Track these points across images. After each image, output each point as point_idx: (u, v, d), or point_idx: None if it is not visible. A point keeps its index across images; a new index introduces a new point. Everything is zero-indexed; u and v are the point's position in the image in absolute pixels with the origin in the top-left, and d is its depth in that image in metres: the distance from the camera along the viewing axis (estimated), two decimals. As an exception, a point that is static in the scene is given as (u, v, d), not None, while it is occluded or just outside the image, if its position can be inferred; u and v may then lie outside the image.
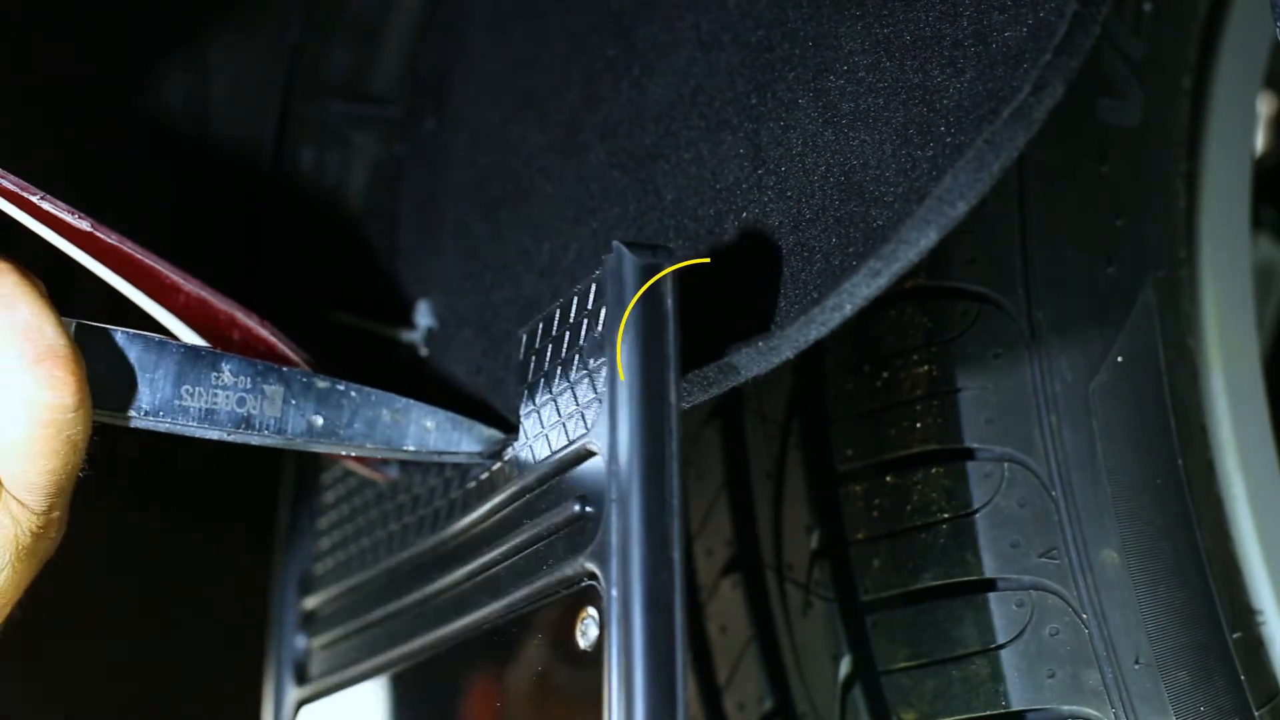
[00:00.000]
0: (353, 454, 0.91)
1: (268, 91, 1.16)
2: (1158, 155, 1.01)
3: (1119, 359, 0.95)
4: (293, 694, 1.10)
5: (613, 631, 0.74)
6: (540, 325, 0.88)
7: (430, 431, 0.90)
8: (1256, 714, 0.94)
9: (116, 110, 1.09)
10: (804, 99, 0.86)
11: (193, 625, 1.49)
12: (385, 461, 1.03)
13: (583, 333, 0.82)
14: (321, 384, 0.88)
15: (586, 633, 0.78)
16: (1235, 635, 0.95)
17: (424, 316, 1.12)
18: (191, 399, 0.85)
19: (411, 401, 0.90)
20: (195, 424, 0.85)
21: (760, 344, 0.80)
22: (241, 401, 0.86)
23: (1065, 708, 0.91)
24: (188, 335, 0.88)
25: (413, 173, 1.19)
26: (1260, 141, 1.32)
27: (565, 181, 1.02)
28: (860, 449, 0.97)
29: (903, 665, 0.95)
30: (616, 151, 0.97)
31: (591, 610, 0.77)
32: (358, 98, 1.20)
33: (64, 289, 0.83)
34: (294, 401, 0.87)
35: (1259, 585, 1.01)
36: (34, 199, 0.81)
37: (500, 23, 1.15)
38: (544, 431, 0.85)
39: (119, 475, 1.42)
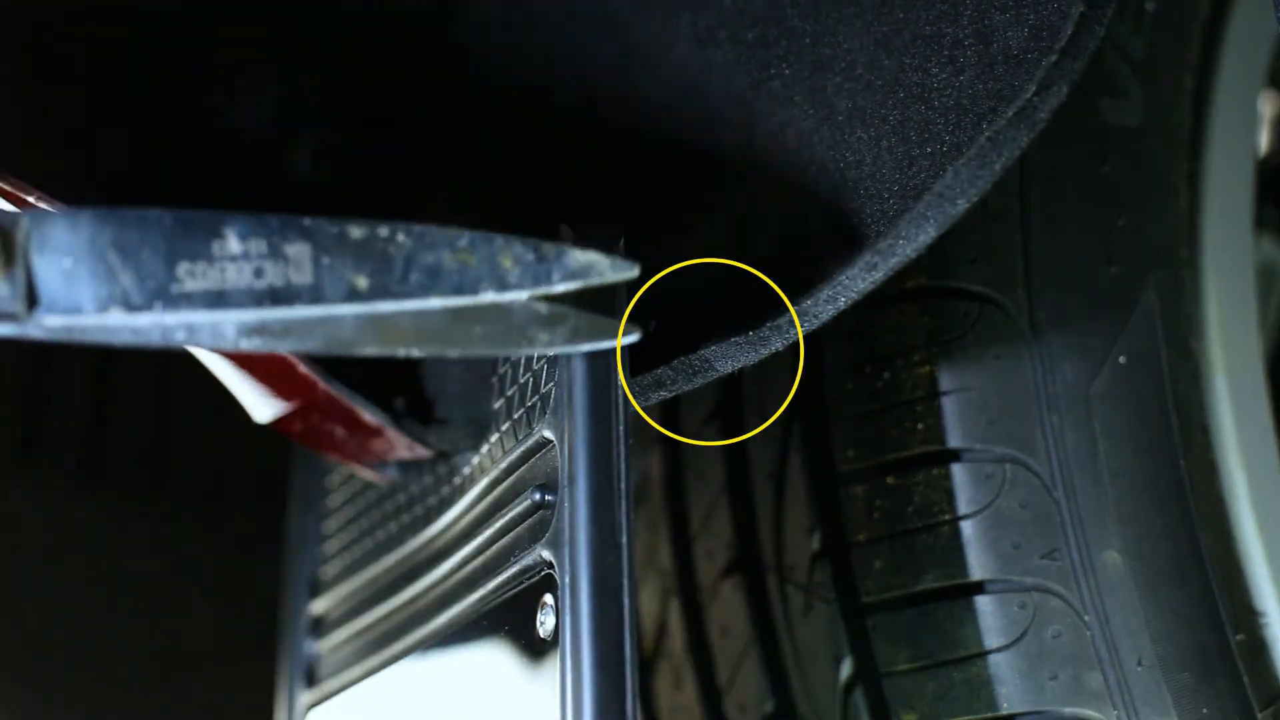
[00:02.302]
0: (414, 311, 0.69)
1: (268, 90, 1.16)
2: (1159, 155, 1.01)
3: (1121, 360, 0.95)
4: (303, 698, 1.10)
5: (565, 619, 0.73)
6: None
7: (510, 270, 0.70)
8: (1259, 716, 0.94)
9: (113, 108, 1.09)
10: (800, 96, 0.86)
11: (197, 629, 1.50)
12: (384, 462, 1.03)
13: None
14: (357, 232, 0.67)
15: (545, 622, 0.78)
16: (1238, 637, 0.95)
17: None
18: (193, 279, 0.65)
19: (478, 234, 0.70)
20: (202, 310, 0.65)
21: (750, 334, 0.80)
22: (259, 272, 0.66)
23: (1067, 710, 0.91)
24: None
25: None
26: (1263, 142, 1.31)
27: (558, 179, 1.02)
28: (861, 450, 0.97)
29: (904, 667, 0.95)
30: (609, 149, 0.98)
31: (549, 598, 0.77)
32: None
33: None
34: (326, 260, 0.67)
35: (1261, 586, 1.00)
36: (31, 199, 0.81)
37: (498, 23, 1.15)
38: (512, 421, 0.85)
39: (113, 479, 1.42)
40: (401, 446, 1.00)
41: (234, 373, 0.95)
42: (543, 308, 0.72)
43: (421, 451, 0.99)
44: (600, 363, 0.76)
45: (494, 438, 0.88)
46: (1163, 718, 0.91)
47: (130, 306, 0.65)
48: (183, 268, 0.65)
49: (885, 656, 0.96)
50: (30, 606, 1.41)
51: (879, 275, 0.75)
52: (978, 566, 0.92)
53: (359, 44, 1.16)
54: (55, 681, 1.41)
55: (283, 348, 0.67)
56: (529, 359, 0.84)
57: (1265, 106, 1.33)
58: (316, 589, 1.12)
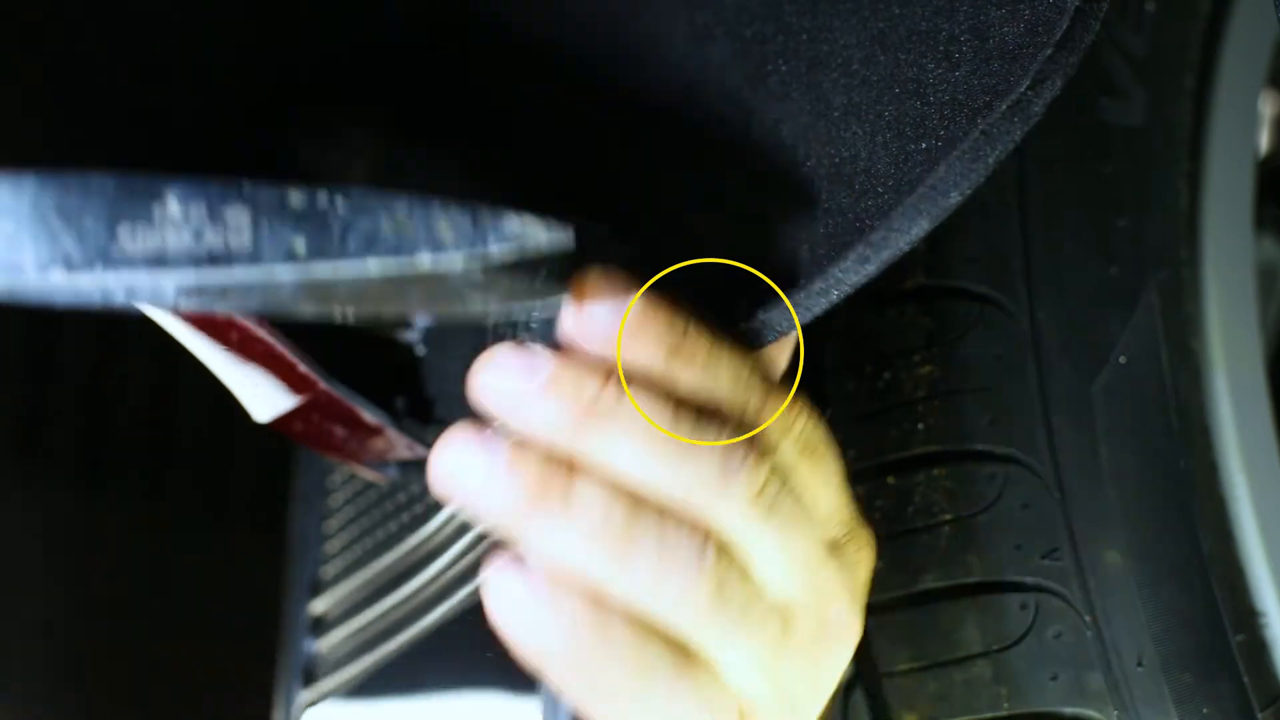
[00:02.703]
0: (352, 278, 0.70)
1: (261, 91, 1.16)
2: (1160, 155, 1.01)
3: (1121, 360, 0.94)
4: (302, 697, 1.10)
5: None
6: None
7: (446, 235, 0.70)
8: (1259, 717, 0.94)
9: (110, 105, 1.09)
10: (796, 92, 0.86)
11: (196, 631, 1.50)
12: (384, 462, 1.03)
13: (532, 314, 0.82)
14: (297, 198, 0.68)
15: None
16: (1239, 637, 0.95)
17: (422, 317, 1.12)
18: (133, 241, 0.66)
19: (416, 200, 0.71)
20: (143, 271, 0.66)
21: (743, 328, 0.80)
22: (199, 235, 0.67)
23: (1068, 710, 0.91)
24: (184, 335, 0.88)
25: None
26: (1263, 142, 1.31)
27: (553, 178, 1.02)
28: (861, 450, 0.97)
29: (904, 667, 0.95)
30: (604, 146, 0.98)
31: None
32: None
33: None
34: (266, 225, 0.68)
35: (1262, 587, 1.00)
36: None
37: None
38: None
39: (113, 479, 1.42)
40: (401, 446, 0.99)
41: (234, 371, 0.95)
42: (478, 272, 0.72)
43: (421, 451, 0.99)
44: None
45: None
46: (1163, 718, 0.91)
47: (71, 267, 0.65)
48: (124, 230, 0.66)
49: (885, 656, 0.96)
50: (30, 606, 1.42)
51: (871, 268, 0.75)
52: (978, 567, 0.92)
53: (346, 48, 1.16)
54: (54, 682, 1.42)
55: (220, 308, 0.68)
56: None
57: (1266, 106, 1.33)
58: (317, 589, 1.13)
